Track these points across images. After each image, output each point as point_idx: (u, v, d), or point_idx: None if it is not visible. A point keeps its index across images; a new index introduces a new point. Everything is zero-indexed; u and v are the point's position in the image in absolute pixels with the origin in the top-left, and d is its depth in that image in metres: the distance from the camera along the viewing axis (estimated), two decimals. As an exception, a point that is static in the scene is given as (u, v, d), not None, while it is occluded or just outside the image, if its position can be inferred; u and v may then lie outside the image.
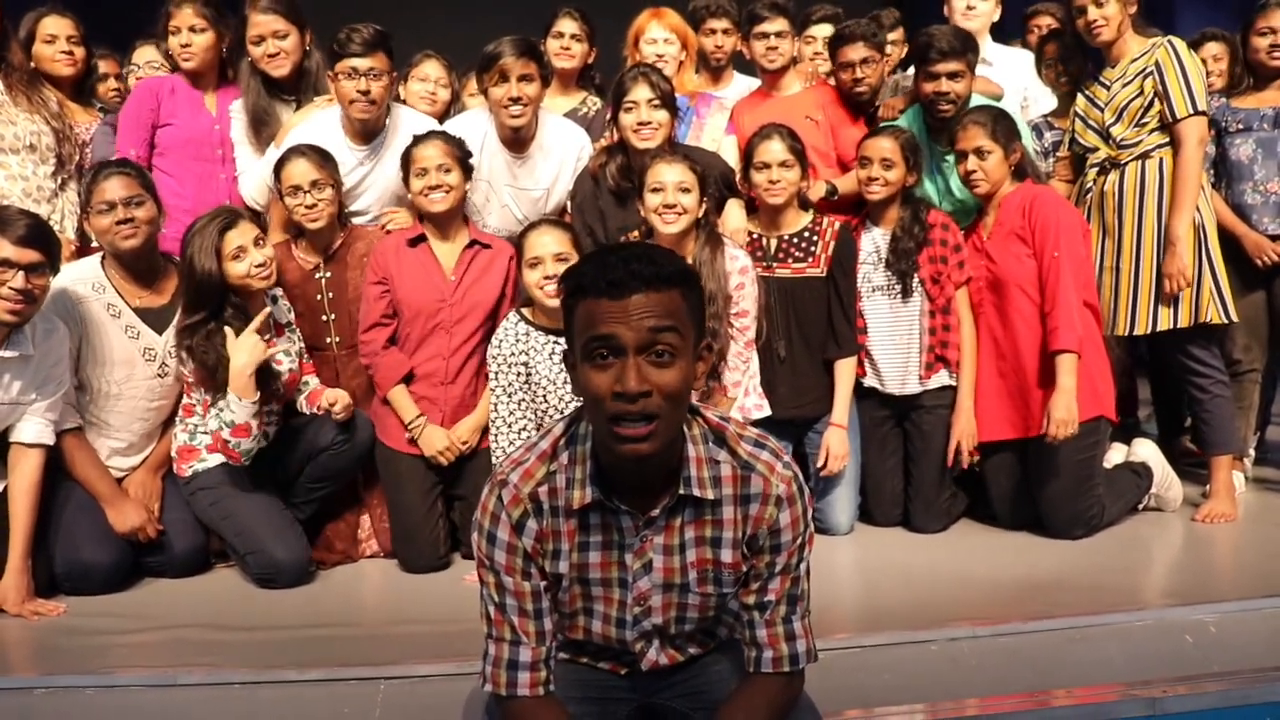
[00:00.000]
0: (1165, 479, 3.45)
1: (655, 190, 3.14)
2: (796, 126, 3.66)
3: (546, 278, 3.00)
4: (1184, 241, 3.31)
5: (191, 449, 3.08)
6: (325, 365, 3.29)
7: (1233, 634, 2.51)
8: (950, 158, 3.48)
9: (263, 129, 3.57)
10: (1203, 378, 3.44)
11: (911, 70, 3.73)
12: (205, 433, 3.04)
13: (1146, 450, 3.47)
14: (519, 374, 3.07)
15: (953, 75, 3.45)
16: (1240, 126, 3.60)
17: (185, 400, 3.10)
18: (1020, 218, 3.29)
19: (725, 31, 4.03)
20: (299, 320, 3.24)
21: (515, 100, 3.37)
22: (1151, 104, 3.37)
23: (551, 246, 3.03)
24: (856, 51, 3.70)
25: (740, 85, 4.13)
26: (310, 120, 3.49)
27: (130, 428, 3.12)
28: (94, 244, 3.24)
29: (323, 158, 3.21)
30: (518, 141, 3.50)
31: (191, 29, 3.58)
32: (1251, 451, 3.90)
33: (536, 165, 3.55)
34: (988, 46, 4.19)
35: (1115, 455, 3.48)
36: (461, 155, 3.22)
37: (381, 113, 3.43)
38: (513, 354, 3.07)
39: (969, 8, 4.07)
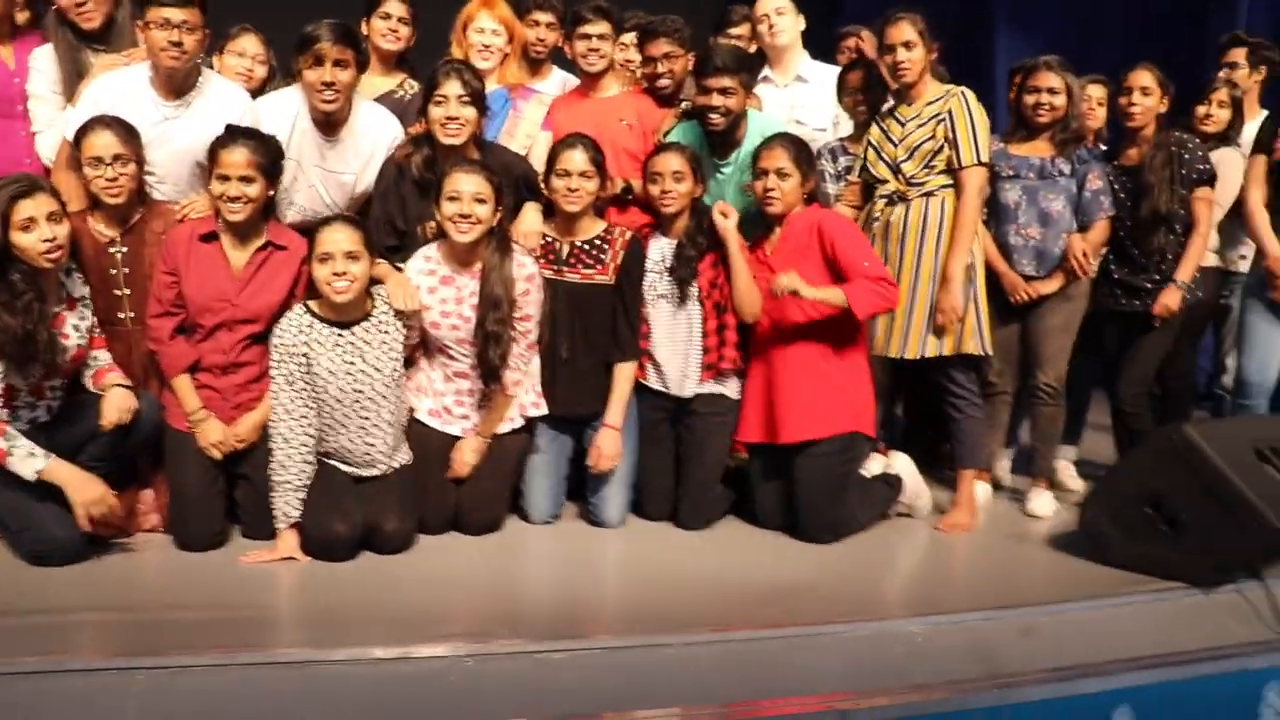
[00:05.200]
0: (916, 490, 3.77)
1: (452, 199, 3.27)
2: (611, 129, 3.87)
3: (336, 274, 3.10)
4: (957, 280, 3.60)
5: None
6: (118, 340, 3.29)
7: (938, 645, 2.80)
8: (727, 169, 3.74)
9: (78, 82, 3.49)
10: (959, 399, 3.76)
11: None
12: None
13: (901, 463, 3.78)
14: (299, 364, 3.16)
15: (724, 91, 3.67)
16: (1011, 172, 3.88)
17: None
18: (808, 236, 3.53)
19: (549, 25, 4.12)
20: (92, 293, 3.22)
21: (329, 85, 3.41)
22: (941, 148, 3.63)
23: (343, 244, 3.12)
24: (659, 47, 3.90)
25: (557, 79, 4.24)
26: (115, 73, 3.43)
27: None
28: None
29: (128, 132, 3.19)
30: (329, 124, 3.55)
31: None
32: (1006, 464, 4.28)
33: (347, 149, 3.60)
34: (804, 63, 4.41)
35: (875, 466, 3.77)
36: (267, 163, 3.22)
37: (190, 68, 3.40)
38: (294, 344, 3.16)
39: (771, 26, 4.27)
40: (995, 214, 3.92)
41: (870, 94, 3.96)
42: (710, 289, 3.57)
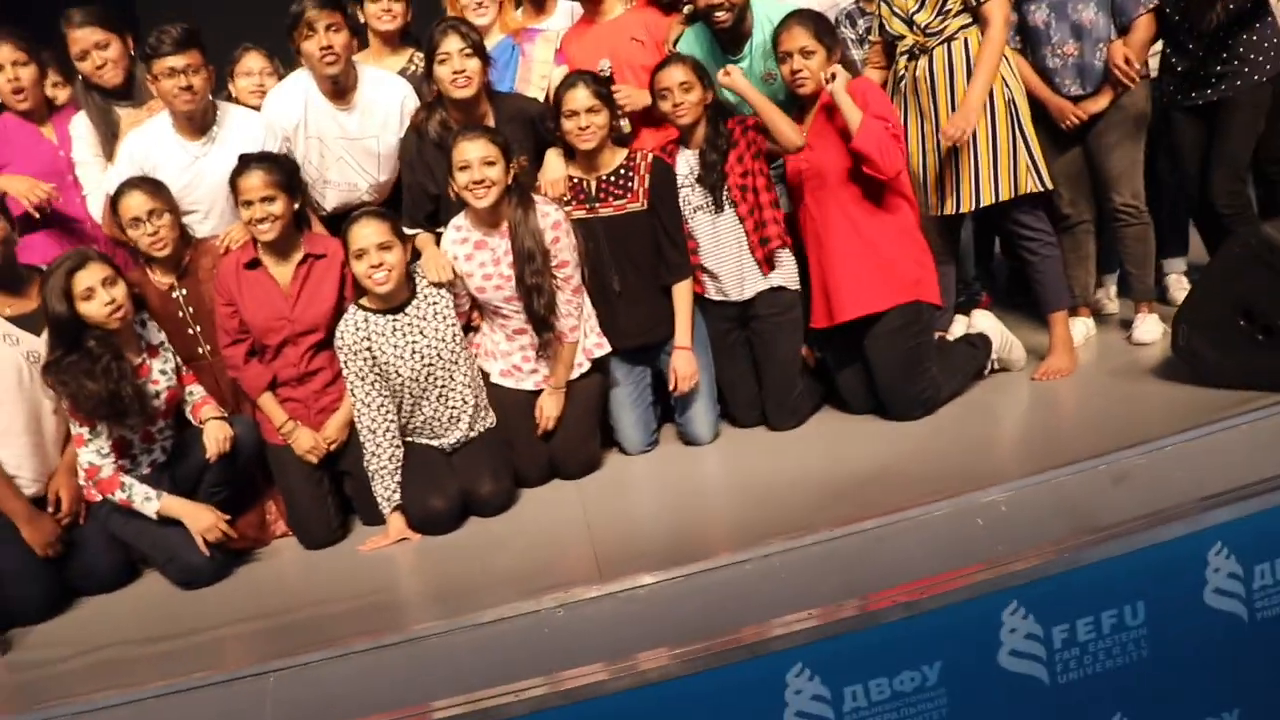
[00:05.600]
0: (1005, 343, 3.67)
1: (463, 169, 3.32)
2: (623, 49, 3.84)
3: (373, 266, 3.23)
4: (970, 107, 3.42)
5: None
6: (203, 373, 3.51)
7: (1021, 512, 2.75)
8: (743, 64, 3.64)
9: (114, 141, 3.70)
10: (1031, 241, 3.61)
11: None
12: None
13: (984, 321, 3.68)
14: (365, 359, 3.30)
15: None
16: None
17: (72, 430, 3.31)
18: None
19: None
20: (171, 338, 3.45)
21: (327, 49, 3.52)
22: None
23: (373, 237, 3.24)
24: None
25: (564, 12, 4.16)
26: (141, 128, 3.61)
27: (29, 437, 3.27)
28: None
29: (154, 187, 3.38)
30: (339, 92, 3.67)
31: (15, 64, 3.69)
32: (1107, 297, 4.08)
33: (363, 114, 3.70)
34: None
35: (957, 329, 3.68)
36: (284, 179, 3.36)
37: (206, 104, 3.56)
38: (355, 342, 3.31)
39: None
40: (1027, 40, 3.70)
41: None
42: (741, 183, 3.53)
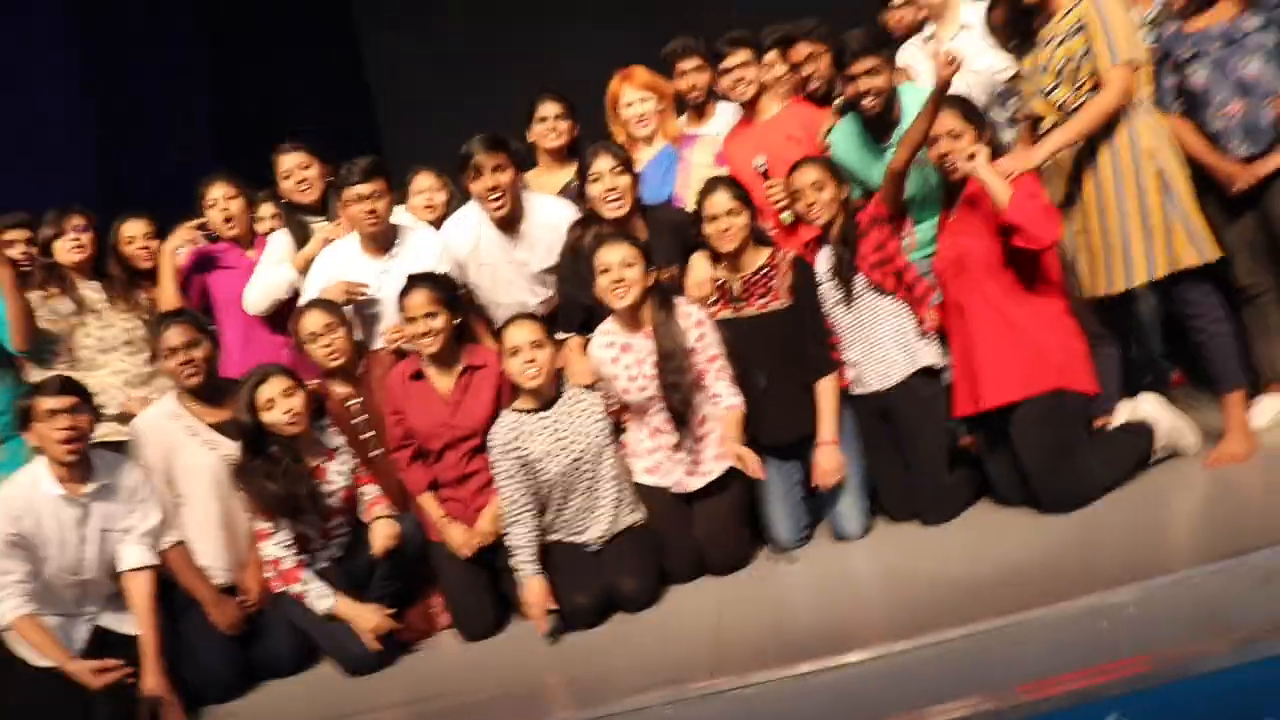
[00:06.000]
0: (1174, 429, 3.40)
1: (604, 272, 3.50)
2: (779, 148, 3.94)
3: (526, 362, 3.46)
4: (1029, 158, 3.29)
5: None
6: (378, 474, 3.81)
7: (1153, 612, 2.55)
8: (891, 149, 3.61)
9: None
10: (1198, 318, 3.36)
11: None
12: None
13: (1148, 407, 3.43)
14: (514, 459, 3.50)
15: (869, 72, 3.59)
16: (1192, 52, 3.43)
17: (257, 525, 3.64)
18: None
19: (697, 69, 4.24)
20: (348, 441, 3.78)
21: (493, 190, 3.81)
22: (1083, 62, 3.31)
23: (526, 336, 3.50)
24: (800, 52, 4.02)
25: (726, 114, 4.31)
26: (333, 246, 4.06)
27: (223, 532, 3.66)
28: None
29: (329, 306, 3.76)
30: (509, 223, 3.95)
31: (227, 198, 4.26)
32: None
33: (531, 242, 3.96)
34: (964, 9, 4.16)
35: (1121, 414, 3.46)
36: (446, 296, 3.66)
37: (388, 225, 3.96)
38: (505, 442, 3.51)
39: None
40: (1191, 105, 3.48)
41: (1019, 25, 3.66)
42: (875, 268, 3.51)
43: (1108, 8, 3.28)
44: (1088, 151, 3.36)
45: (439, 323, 3.62)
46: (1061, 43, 3.35)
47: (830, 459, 3.55)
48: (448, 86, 7.88)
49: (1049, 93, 3.42)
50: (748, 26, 4.12)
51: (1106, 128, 3.32)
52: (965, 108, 3.43)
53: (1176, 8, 3.57)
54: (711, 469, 3.61)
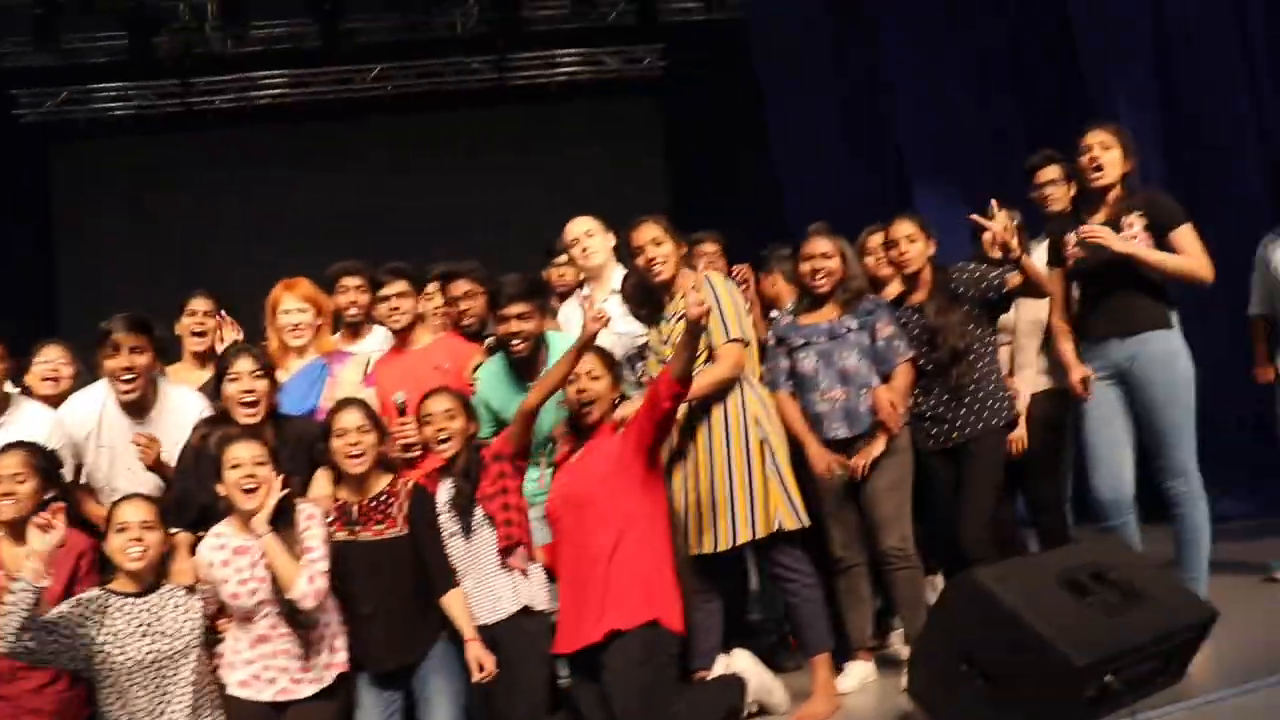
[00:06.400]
0: (763, 686, 3.55)
1: (234, 467, 3.38)
2: (426, 378, 3.94)
3: (133, 540, 3.29)
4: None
5: None
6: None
7: None
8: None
9: None
10: (789, 581, 3.61)
11: None
12: None
13: (742, 662, 3.58)
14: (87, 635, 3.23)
15: (520, 316, 3.80)
16: (803, 341, 3.85)
17: None
18: (613, 436, 3.55)
19: (358, 289, 4.34)
20: None
21: (127, 369, 3.69)
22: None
23: (138, 515, 3.34)
24: (459, 288, 4.20)
25: (379, 336, 4.37)
26: None
27: None
28: None
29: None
30: (137, 408, 3.78)
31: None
32: (900, 641, 3.99)
33: (159, 430, 3.78)
34: (618, 274, 4.44)
35: (717, 668, 3.58)
36: (45, 466, 3.49)
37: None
38: (89, 600, 3.27)
39: (584, 249, 4.42)
40: (799, 386, 3.87)
41: (647, 298, 3.93)
42: (491, 501, 3.56)
43: (720, 292, 3.65)
44: (701, 412, 3.62)
45: (25, 489, 3.41)
46: (681, 319, 3.64)
47: (479, 650, 3.42)
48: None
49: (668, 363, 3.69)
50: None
51: (720, 394, 3.61)
52: (607, 356, 3.65)
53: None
54: (323, 676, 3.42)
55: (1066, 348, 3.86)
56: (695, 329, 3.38)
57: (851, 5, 7.50)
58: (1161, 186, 4.59)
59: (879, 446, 3.76)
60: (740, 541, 3.57)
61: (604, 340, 3.79)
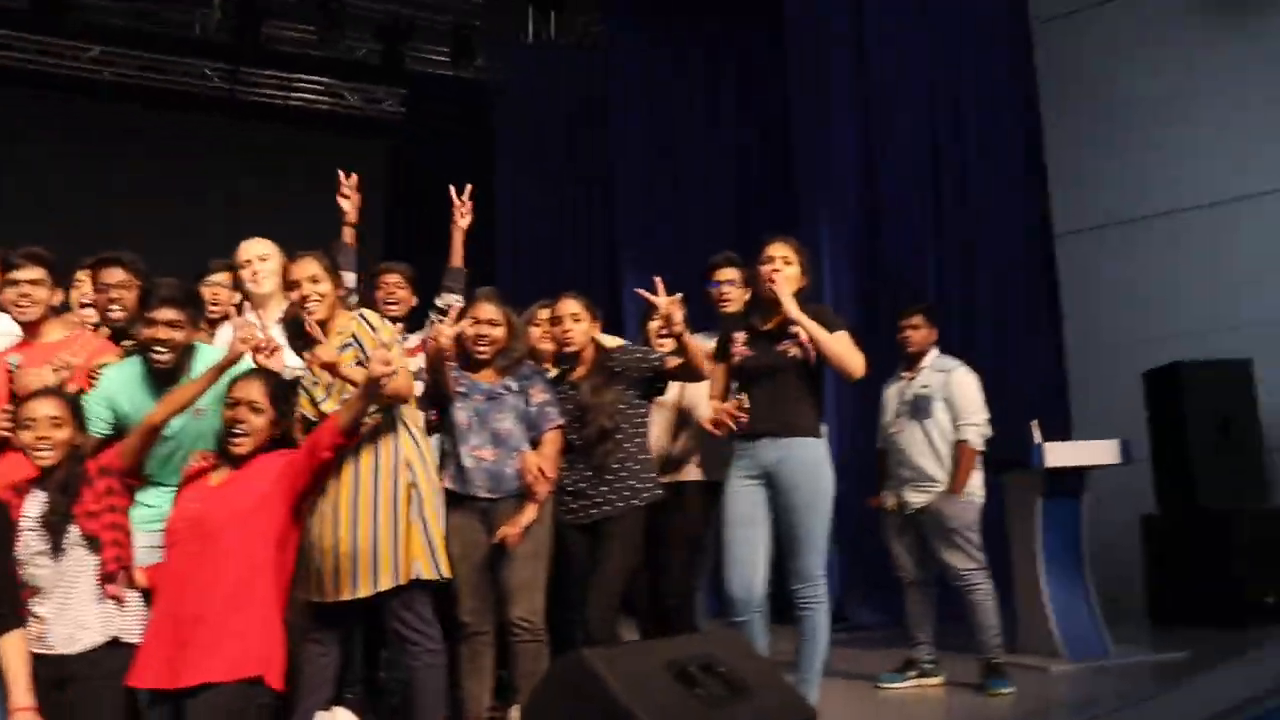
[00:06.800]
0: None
1: None
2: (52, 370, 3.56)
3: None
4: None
5: None
6: None
7: None
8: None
9: None
10: (413, 643, 3.45)
11: None
12: None
13: (341, 718, 3.40)
14: None
15: (170, 323, 3.50)
16: (464, 390, 3.82)
17: None
18: (265, 472, 3.31)
19: None
20: None
21: None
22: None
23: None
24: (113, 275, 3.84)
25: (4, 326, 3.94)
26: None
27: None
28: None
29: None
30: None
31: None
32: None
33: None
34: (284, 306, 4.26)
35: (319, 720, 3.39)
36: None
37: None
38: None
39: (255, 273, 4.25)
40: (450, 433, 3.82)
41: (301, 332, 3.70)
42: (93, 518, 3.22)
43: (362, 335, 3.59)
44: (353, 452, 3.47)
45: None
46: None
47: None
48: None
49: (319, 402, 3.58)
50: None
51: (372, 434, 3.48)
52: (268, 385, 3.38)
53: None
54: None
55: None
56: (371, 389, 3.29)
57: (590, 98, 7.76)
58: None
59: (530, 514, 3.72)
60: (381, 588, 3.41)
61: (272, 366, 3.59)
